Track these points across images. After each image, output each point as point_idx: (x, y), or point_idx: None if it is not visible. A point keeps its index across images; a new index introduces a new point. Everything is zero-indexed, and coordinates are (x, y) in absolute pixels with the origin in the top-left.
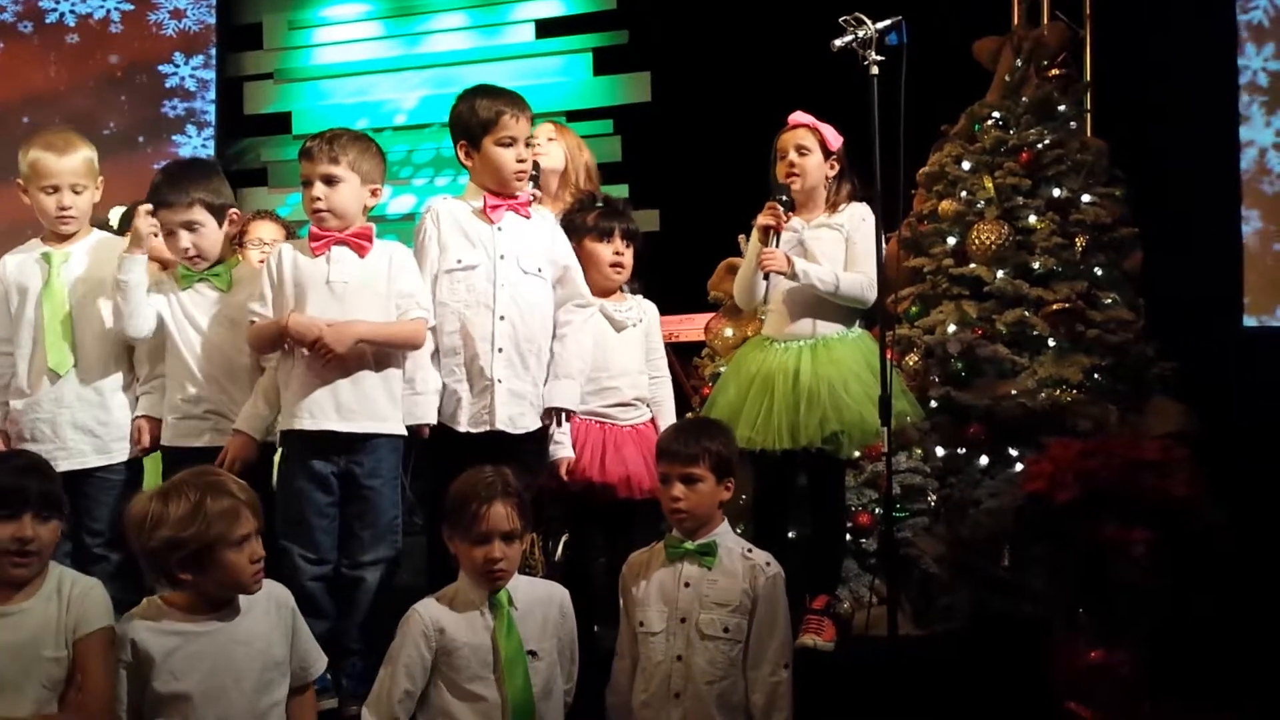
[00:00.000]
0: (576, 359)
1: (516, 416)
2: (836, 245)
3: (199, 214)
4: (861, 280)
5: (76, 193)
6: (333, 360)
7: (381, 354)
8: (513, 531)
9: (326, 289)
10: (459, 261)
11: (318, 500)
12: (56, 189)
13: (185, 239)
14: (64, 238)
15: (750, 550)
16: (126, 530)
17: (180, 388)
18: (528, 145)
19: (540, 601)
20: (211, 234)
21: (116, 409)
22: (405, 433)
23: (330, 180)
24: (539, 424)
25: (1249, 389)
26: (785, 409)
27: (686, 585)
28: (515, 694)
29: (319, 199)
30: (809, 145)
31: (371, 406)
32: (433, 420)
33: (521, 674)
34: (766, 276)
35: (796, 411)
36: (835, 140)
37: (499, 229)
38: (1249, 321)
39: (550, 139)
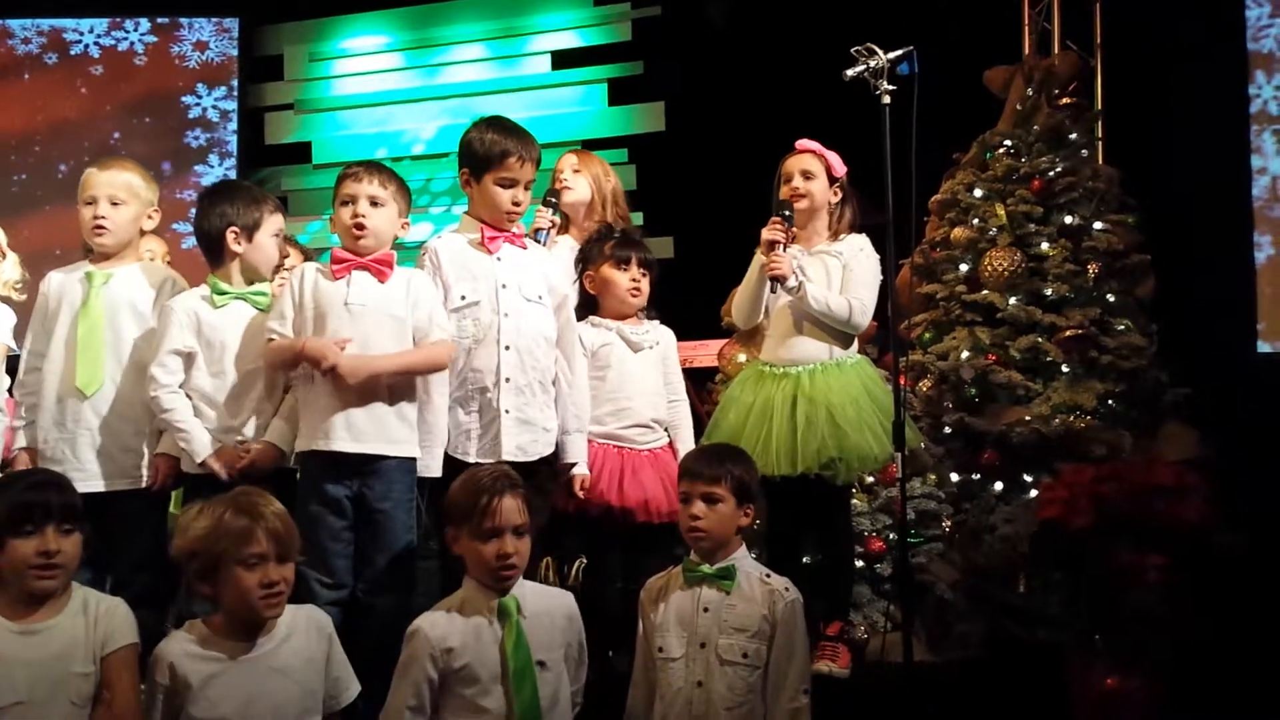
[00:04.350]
0: (585, 409)
1: (527, 444)
2: (834, 273)
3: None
4: (854, 304)
5: (114, 204)
6: (345, 388)
7: (396, 381)
8: (523, 525)
9: (344, 310)
10: (463, 298)
11: (332, 524)
12: (94, 200)
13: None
14: (105, 256)
15: (769, 575)
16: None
17: (209, 419)
18: (527, 189)
19: (547, 610)
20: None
21: (140, 436)
22: (418, 454)
23: (376, 202)
24: (551, 449)
25: (1262, 414)
26: (784, 435)
27: (705, 610)
28: (523, 707)
29: (363, 216)
30: (814, 170)
31: (383, 429)
32: (438, 474)
33: (530, 686)
34: (774, 289)
35: (795, 438)
36: (840, 167)
37: (498, 259)
38: (1263, 347)
39: (575, 171)
